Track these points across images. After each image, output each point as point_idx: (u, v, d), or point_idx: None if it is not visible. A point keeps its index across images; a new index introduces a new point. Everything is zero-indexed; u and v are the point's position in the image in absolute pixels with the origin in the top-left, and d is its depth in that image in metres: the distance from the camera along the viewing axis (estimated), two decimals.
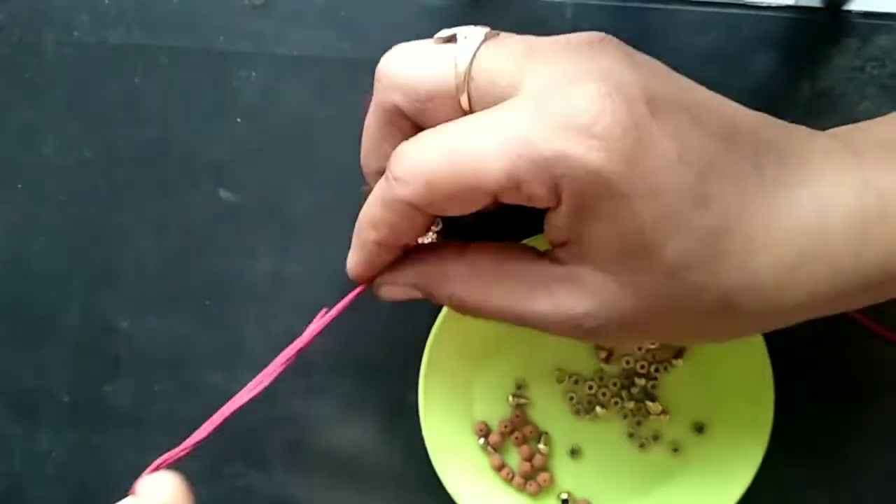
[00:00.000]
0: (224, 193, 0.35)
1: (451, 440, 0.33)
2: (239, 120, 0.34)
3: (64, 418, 0.35)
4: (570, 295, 0.24)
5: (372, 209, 0.25)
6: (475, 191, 0.23)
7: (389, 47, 0.26)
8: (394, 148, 0.24)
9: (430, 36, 0.26)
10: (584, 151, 0.21)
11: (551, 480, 0.34)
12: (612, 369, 0.34)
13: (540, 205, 0.23)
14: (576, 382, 0.34)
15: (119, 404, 0.35)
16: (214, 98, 0.34)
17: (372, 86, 0.26)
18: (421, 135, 0.24)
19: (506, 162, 0.22)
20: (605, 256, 0.23)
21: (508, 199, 0.23)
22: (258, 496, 0.35)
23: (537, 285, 0.24)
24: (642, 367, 0.33)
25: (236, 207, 0.35)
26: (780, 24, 0.33)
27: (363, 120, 0.27)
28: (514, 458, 0.34)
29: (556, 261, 0.24)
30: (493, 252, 0.26)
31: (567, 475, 0.34)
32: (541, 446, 0.34)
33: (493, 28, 0.25)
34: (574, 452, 0.34)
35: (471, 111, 0.24)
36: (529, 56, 0.23)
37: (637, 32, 0.33)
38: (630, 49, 0.24)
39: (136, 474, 0.26)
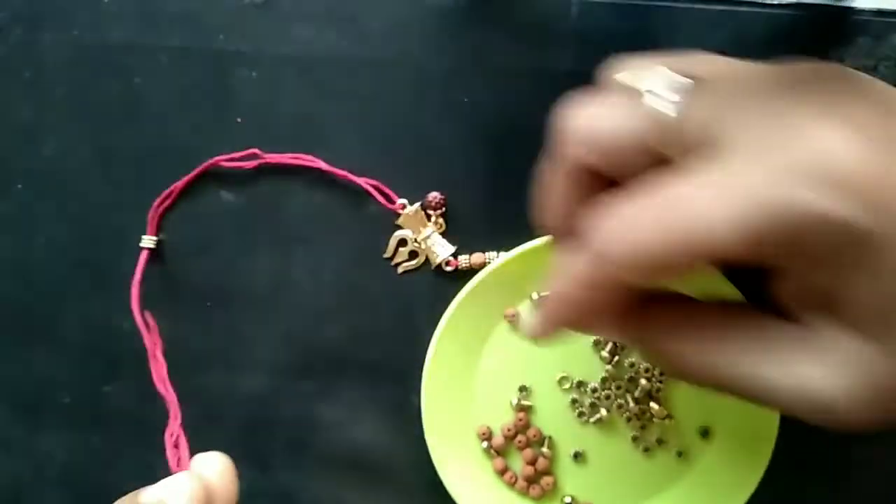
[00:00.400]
0: (224, 194, 0.34)
1: (453, 443, 0.33)
2: (239, 120, 0.34)
3: (64, 419, 0.35)
4: (818, 365, 0.20)
5: (571, 291, 0.22)
6: (701, 258, 0.20)
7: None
8: (580, 207, 0.22)
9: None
10: (832, 202, 0.18)
11: (554, 484, 0.34)
12: (616, 373, 0.33)
13: (775, 264, 0.20)
14: (579, 386, 0.33)
15: (119, 404, 0.35)
16: (214, 98, 0.34)
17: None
18: (626, 205, 0.21)
19: (739, 220, 0.19)
20: (866, 318, 0.19)
21: (735, 261, 0.20)
22: (260, 497, 0.35)
23: (772, 348, 0.21)
24: (647, 370, 0.33)
25: (236, 208, 0.34)
26: (790, 21, 0.32)
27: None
28: (518, 462, 0.34)
29: (796, 320, 0.21)
30: (717, 307, 0.22)
31: (570, 479, 0.34)
32: (544, 450, 0.33)
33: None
34: (578, 456, 0.34)
35: (673, 167, 0.21)
36: (737, 98, 0.21)
37: (644, 31, 0.33)
38: (850, 73, 0.21)
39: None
